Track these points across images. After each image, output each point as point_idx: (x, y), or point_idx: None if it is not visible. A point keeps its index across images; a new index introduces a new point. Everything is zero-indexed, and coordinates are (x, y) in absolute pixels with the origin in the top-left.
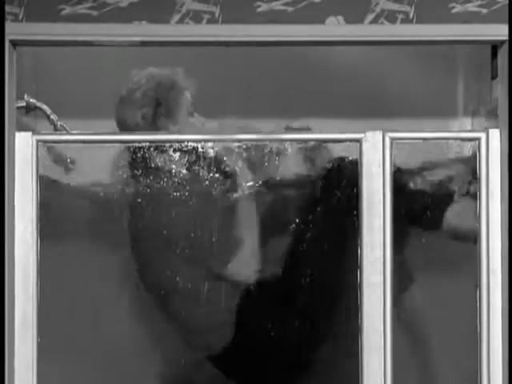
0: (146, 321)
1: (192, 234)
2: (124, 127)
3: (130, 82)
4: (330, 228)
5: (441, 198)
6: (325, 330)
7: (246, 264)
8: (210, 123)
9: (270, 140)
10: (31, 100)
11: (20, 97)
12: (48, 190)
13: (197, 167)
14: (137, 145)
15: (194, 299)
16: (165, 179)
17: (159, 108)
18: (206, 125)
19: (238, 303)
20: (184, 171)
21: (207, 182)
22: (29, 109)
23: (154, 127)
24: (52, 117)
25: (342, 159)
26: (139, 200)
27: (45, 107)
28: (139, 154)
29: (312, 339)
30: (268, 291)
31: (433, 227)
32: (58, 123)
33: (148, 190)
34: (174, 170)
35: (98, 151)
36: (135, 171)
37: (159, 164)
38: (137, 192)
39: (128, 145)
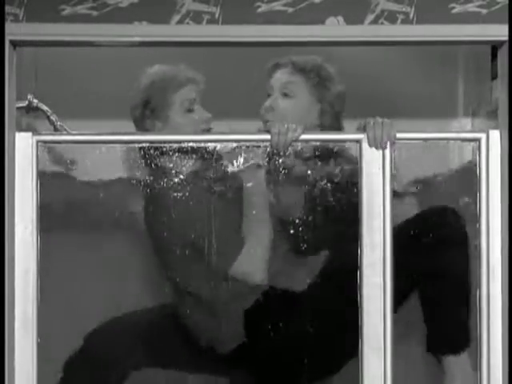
0: None
1: (195, 234)
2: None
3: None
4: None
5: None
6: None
7: (251, 262)
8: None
9: (269, 140)
10: (34, 100)
11: (21, 97)
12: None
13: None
14: (137, 145)
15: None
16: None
17: (147, 108)
18: (212, 121)
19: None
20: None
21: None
22: (29, 109)
23: (142, 128)
24: (52, 117)
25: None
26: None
27: (45, 108)
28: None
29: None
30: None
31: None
32: (58, 123)
33: (149, 190)
34: (175, 170)
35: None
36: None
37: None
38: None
39: (128, 145)
